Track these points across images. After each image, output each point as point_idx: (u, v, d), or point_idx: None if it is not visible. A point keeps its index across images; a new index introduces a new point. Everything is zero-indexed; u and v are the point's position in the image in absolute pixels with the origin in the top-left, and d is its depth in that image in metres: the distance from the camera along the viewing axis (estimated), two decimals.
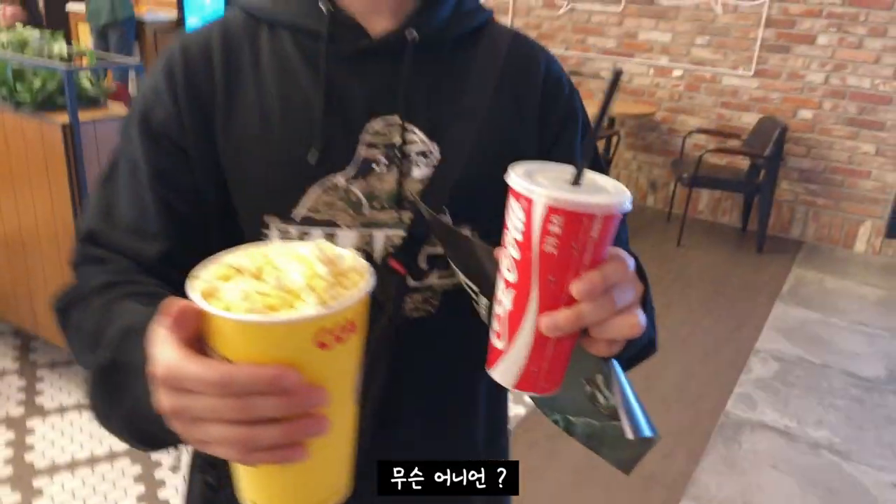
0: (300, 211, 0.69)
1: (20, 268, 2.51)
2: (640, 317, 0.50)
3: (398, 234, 0.71)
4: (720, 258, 4.24)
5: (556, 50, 5.10)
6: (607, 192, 0.48)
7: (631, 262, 0.51)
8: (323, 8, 0.69)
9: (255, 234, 0.70)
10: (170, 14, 6.77)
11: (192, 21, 6.62)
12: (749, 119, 4.61)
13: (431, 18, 0.71)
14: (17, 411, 2.46)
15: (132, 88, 5.26)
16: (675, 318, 3.23)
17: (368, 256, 0.70)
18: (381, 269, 0.70)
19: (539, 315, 0.49)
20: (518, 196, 0.48)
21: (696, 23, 4.66)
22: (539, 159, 0.73)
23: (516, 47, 0.77)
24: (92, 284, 0.66)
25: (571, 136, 0.76)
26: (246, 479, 0.48)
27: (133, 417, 0.54)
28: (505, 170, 0.70)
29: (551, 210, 0.46)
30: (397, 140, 0.70)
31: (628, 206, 0.47)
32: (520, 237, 0.48)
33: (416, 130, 0.71)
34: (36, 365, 2.73)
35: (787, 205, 4.62)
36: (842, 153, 4.40)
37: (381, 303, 0.71)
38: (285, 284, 0.43)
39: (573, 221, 0.46)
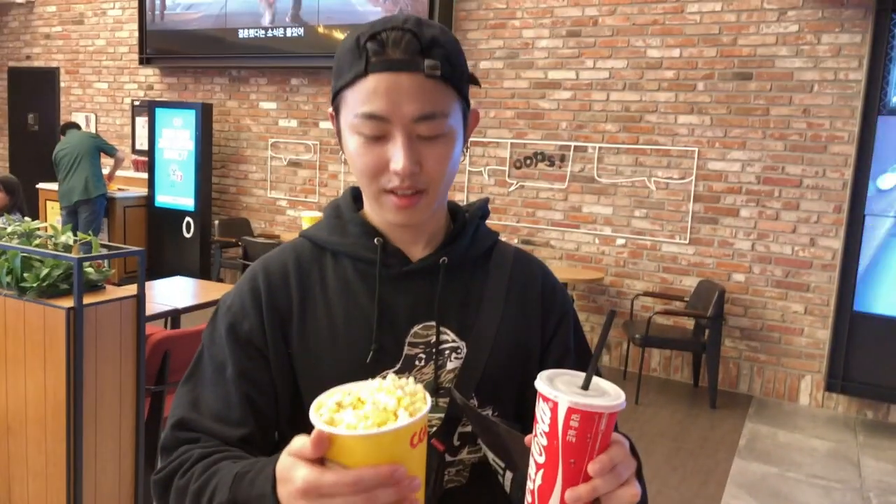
0: None
1: (1, 451, 2.50)
2: (637, 487, 0.67)
3: (437, 416, 0.86)
4: (677, 415, 4.43)
5: (508, 222, 5.55)
6: (609, 395, 0.67)
7: (626, 444, 0.70)
8: (376, 242, 0.89)
9: None
10: (140, 192, 7.09)
11: (162, 199, 6.93)
12: (689, 282, 5.02)
13: (457, 247, 0.92)
14: None
15: None
16: (645, 475, 3.34)
17: None
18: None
19: (563, 489, 0.65)
20: (546, 399, 0.66)
21: (633, 198, 5.19)
22: (542, 351, 0.95)
23: (518, 263, 0.97)
24: (190, 457, 0.80)
25: (566, 332, 0.97)
26: None
27: None
28: (518, 361, 0.92)
29: (571, 411, 0.63)
30: (433, 340, 0.88)
31: (624, 405, 0.66)
32: (547, 429, 0.66)
33: (449, 332, 0.89)
34: None
35: (733, 361, 4.92)
36: (775, 312, 4.79)
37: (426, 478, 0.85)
38: (382, 407, 0.61)
39: (588, 419, 0.63)
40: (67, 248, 2.54)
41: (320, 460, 0.60)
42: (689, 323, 4.89)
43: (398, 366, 0.87)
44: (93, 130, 7.69)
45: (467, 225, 0.94)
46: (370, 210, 0.91)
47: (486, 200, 1.01)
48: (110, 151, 6.51)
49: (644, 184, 5.14)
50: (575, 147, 5.35)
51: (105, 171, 6.55)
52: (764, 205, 4.78)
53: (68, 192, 6.28)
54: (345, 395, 0.64)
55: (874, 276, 4.38)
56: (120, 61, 7.69)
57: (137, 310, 2.53)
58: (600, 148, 5.26)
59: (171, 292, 3.88)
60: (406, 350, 0.88)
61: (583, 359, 0.96)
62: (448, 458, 0.86)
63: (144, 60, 7.26)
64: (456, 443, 0.87)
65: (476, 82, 0.88)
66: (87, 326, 2.34)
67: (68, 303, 2.32)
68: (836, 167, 4.56)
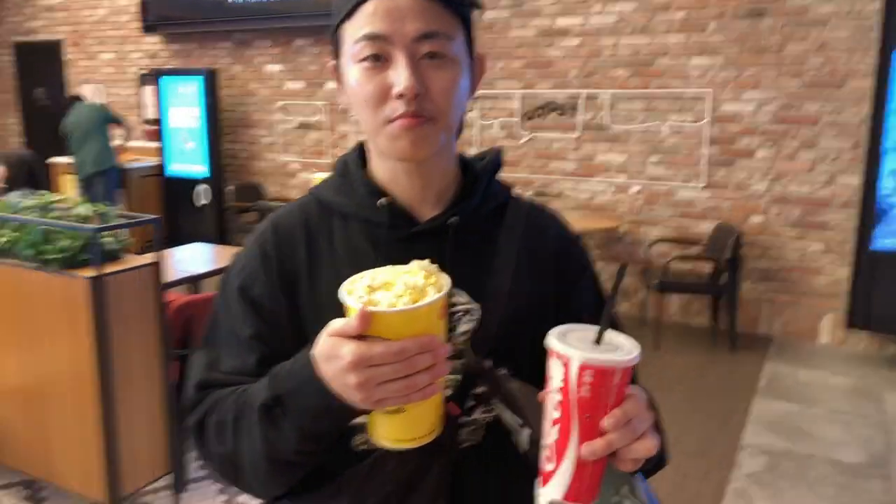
0: None
1: (37, 418, 2.59)
2: (654, 440, 0.67)
3: (451, 378, 0.85)
4: (697, 359, 4.45)
5: (521, 174, 5.52)
6: (623, 349, 0.67)
7: (643, 397, 0.69)
8: (382, 202, 0.86)
9: None
10: (153, 161, 7.11)
11: (175, 167, 6.96)
12: (705, 226, 4.98)
13: (468, 206, 0.89)
14: None
15: None
16: (665, 420, 3.38)
17: None
18: None
19: (580, 443, 0.66)
20: (559, 356, 0.66)
21: (646, 144, 5.12)
22: (558, 307, 0.93)
23: (533, 217, 0.95)
24: (220, 395, 0.83)
25: (584, 286, 0.95)
26: (383, 426, 0.70)
27: (304, 427, 0.72)
28: (533, 320, 0.89)
29: (584, 367, 0.64)
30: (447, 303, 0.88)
31: (639, 358, 0.66)
32: (561, 385, 0.66)
33: (461, 293, 0.86)
34: None
35: (752, 303, 4.91)
36: (793, 252, 4.76)
37: (438, 438, 0.82)
38: (412, 286, 0.66)
39: (601, 374, 0.64)
40: (85, 219, 2.57)
41: (360, 337, 0.64)
42: (707, 267, 4.87)
43: None
44: (103, 100, 7.68)
45: (478, 180, 0.91)
46: (376, 159, 0.89)
47: (499, 151, 0.97)
48: (118, 121, 6.52)
49: (657, 129, 5.07)
50: (586, 95, 5.27)
51: (117, 142, 6.57)
52: (780, 144, 4.70)
53: (81, 165, 6.32)
54: (373, 279, 0.68)
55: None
56: (123, 30, 7.63)
57: (157, 277, 2.56)
58: (612, 95, 5.18)
59: (190, 259, 3.92)
60: None
61: (599, 311, 0.94)
62: (462, 419, 0.86)
63: (147, 28, 7.19)
64: (470, 403, 0.86)
65: (477, 4, 0.84)
66: (109, 294, 2.38)
67: (89, 272, 2.36)
68: (854, 102, 4.46)
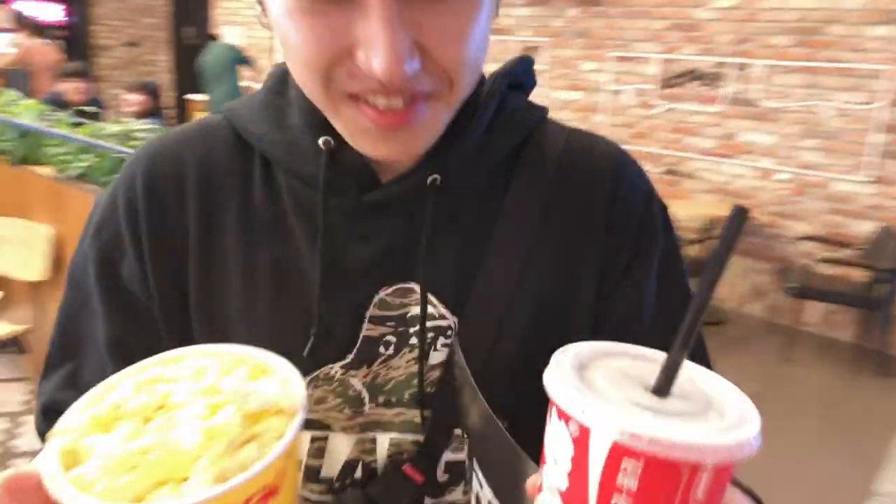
0: None
1: None
2: None
3: (409, 438, 0.55)
4: (835, 380, 3.84)
5: (650, 149, 4.99)
6: (714, 415, 0.30)
7: None
8: (321, 145, 0.52)
9: None
10: None
11: None
12: (865, 228, 4.27)
13: (459, 150, 0.54)
14: None
15: None
16: (783, 450, 2.88)
17: (370, 468, 0.55)
18: (391, 478, 0.54)
19: None
20: (567, 418, 0.30)
21: (802, 125, 4.45)
22: (598, 306, 0.56)
23: (570, 158, 0.58)
24: None
25: (642, 273, 0.57)
26: None
27: None
28: (547, 339, 0.48)
29: (622, 451, 0.28)
30: (411, 313, 0.54)
31: (755, 444, 0.28)
32: (564, 483, 0.30)
33: (436, 302, 0.54)
34: None
35: None
36: None
37: None
38: (173, 445, 0.31)
39: (661, 473, 0.28)
40: None
41: None
42: (859, 275, 4.18)
43: (351, 356, 0.54)
44: (237, 43, 7.84)
45: (480, 107, 0.55)
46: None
47: (525, 58, 0.61)
48: (248, 63, 6.60)
49: (818, 109, 4.37)
50: (736, 64, 4.63)
51: (245, 84, 6.66)
52: None
53: (213, 104, 6.47)
54: (146, 390, 0.34)
55: None
56: None
57: None
58: (767, 66, 4.52)
59: None
60: (365, 329, 0.54)
61: (669, 320, 0.56)
62: (429, 500, 0.55)
63: None
64: (442, 477, 0.55)
65: None
66: None
67: None
68: None
